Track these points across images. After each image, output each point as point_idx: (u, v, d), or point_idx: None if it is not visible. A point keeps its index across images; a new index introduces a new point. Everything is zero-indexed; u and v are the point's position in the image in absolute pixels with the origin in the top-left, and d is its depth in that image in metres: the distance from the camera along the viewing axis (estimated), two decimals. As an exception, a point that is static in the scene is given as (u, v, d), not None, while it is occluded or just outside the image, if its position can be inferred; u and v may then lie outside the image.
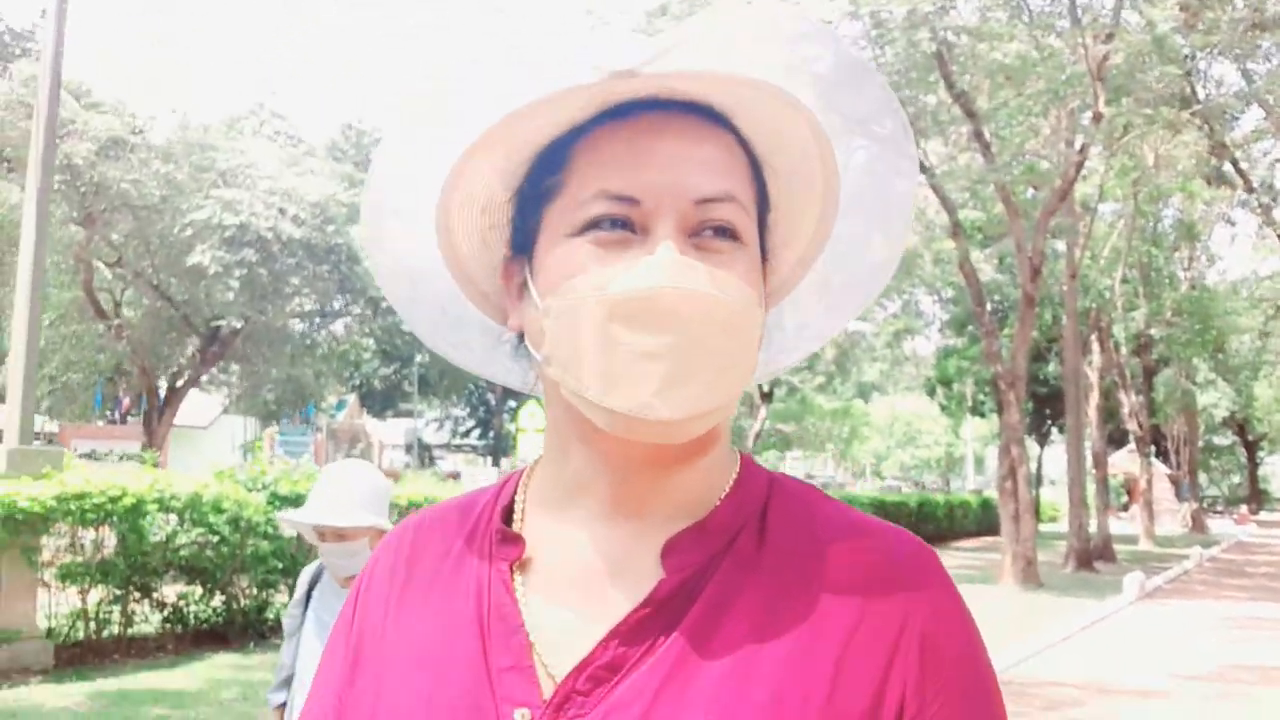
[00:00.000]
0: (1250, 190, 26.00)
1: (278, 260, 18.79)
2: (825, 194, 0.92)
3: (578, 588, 0.87)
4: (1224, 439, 67.18)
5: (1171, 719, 9.09)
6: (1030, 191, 23.98)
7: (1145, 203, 28.88)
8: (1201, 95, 23.37)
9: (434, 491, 13.66)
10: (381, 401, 52.10)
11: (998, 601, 16.76)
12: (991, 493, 43.09)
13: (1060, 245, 26.77)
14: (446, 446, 55.81)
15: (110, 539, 9.67)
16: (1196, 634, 14.35)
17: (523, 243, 0.90)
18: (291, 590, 9.45)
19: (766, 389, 39.30)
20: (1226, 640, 13.79)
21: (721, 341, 0.81)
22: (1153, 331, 34.41)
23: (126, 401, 33.29)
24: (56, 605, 9.69)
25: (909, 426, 58.41)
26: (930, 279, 31.12)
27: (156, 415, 21.40)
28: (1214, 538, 43.10)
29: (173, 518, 10.13)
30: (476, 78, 0.89)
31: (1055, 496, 52.03)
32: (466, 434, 52.19)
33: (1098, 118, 19.57)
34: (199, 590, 10.64)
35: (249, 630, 10.74)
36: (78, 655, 9.51)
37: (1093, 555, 25.60)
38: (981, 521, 38.17)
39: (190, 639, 10.51)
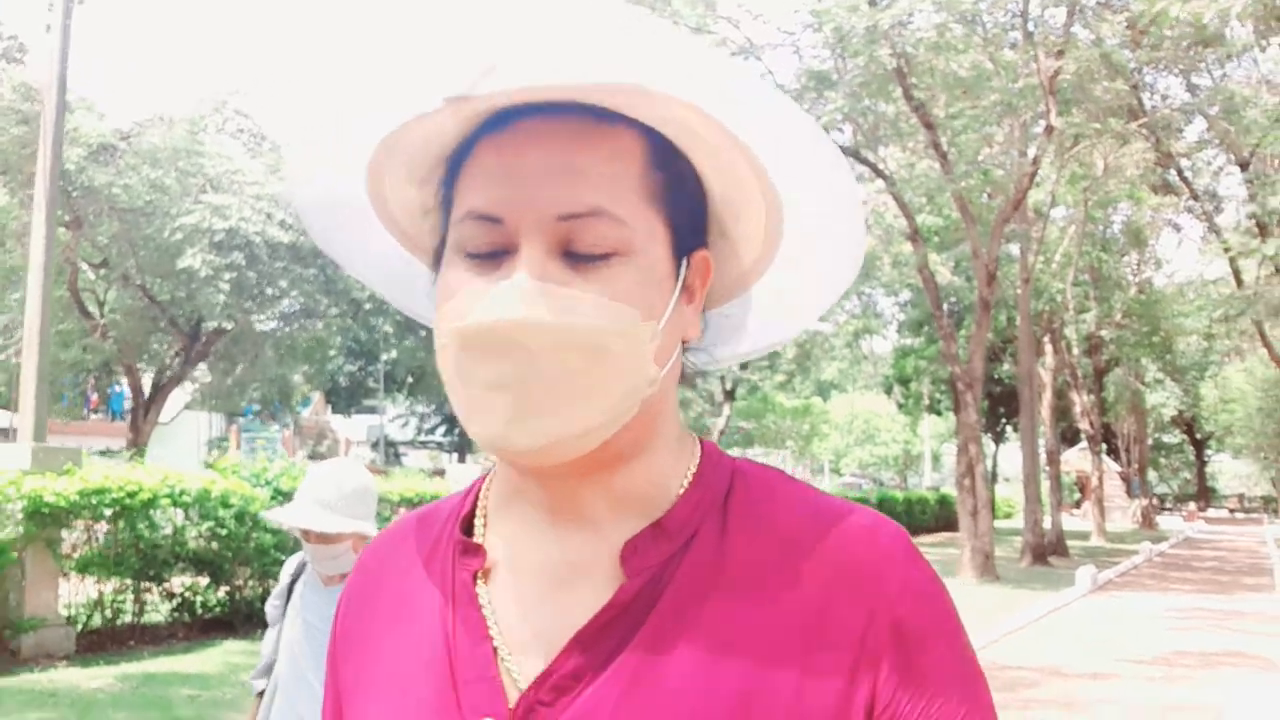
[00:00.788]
0: (1195, 198, 26.87)
1: (265, 263, 19.37)
2: (761, 187, 0.86)
3: (541, 594, 0.85)
4: (1173, 437, 67.99)
5: (1121, 698, 9.70)
6: (985, 196, 24.59)
7: (1095, 209, 29.57)
8: (1149, 106, 24.20)
9: (422, 488, 14.17)
10: (346, 398, 52.23)
11: (957, 594, 16.97)
12: (948, 489, 43.98)
13: (1014, 249, 27.43)
14: (411, 443, 56.01)
15: (123, 532, 10.22)
16: (1144, 623, 15.08)
17: (439, 253, 0.87)
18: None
19: (730, 387, 40.07)
20: (1172, 629, 14.46)
21: (580, 367, 0.78)
22: (1103, 333, 35.18)
23: (95, 399, 33.44)
24: (74, 595, 10.24)
25: (867, 424, 59.13)
26: (889, 281, 31.60)
27: (142, 413, 21.84)
28: (1163, 534, 43.92)
29: (179, 512, 10.69)
30: (338, 98, 0.86)
31: (1010, 493, 52.48)
32: (433, 430, 52.43)
33: (1050, 131, 20.26)
34: (205, 581, 11.18)
35: (253, 619, 11.26)
36: (96, 642, 10.07)
37: (1047, 550, 26.30)
38: (939, 517, 38.93)
39: (199, 627, 11.06)
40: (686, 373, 0.93)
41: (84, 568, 9.95)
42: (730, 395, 40.52)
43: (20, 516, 9.07)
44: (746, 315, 0.98)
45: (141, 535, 10.21)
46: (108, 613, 10.36)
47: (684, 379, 0.92)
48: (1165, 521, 56.96)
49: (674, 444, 0.90)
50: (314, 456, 39.42)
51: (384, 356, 44.53)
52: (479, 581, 0.88)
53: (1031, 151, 21.89)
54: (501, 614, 0.85)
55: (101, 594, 10.29)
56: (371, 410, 56.07)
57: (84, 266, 20.53)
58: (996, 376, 37.59)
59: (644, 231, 0.81)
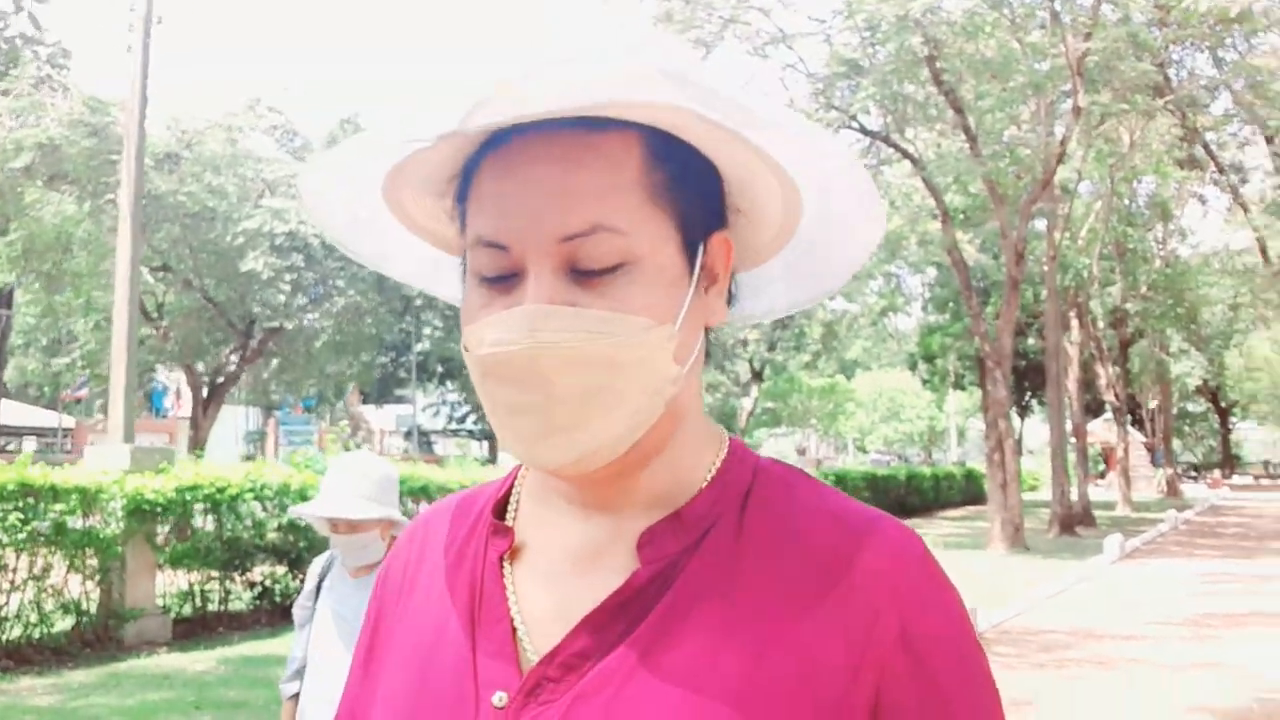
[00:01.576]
0: (1221, 171, 26.99)
1: (321, 263, 19.99)
2: (769, 166, 0.86)
3: (562, 576, 0.88)
4: (1197, 406, 67.82)
5: (1152, 657, 10.10)
6: (1012, 176, 24.73)
7: (1121, 184, 29.72)
8: (1175, 82, 24.33)
9: (477, 475, 14.67)
10: (378, 389, 52.73)
11: (990, 564, 18.13)
12: (974, 464, 44.21)
13: (1041, 225, 27.59)
14: (442, 432, 56.45)
15: (209, 525, 10.83)
16: (1172, 587, 15.47)
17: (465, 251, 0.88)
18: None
19: (758, 368, 40.47)
20: (1199, 593, 14.80)
21: (598, 382, 0.80)
22: (1128, 306, 35.45)
23: (139, 397, 34.21)
24: (167, 586, 10.85)
25: (892, 401, 59.32)
26: (916, 259, 31.83)
27: (201, 411, 22.56)
28: (1188, 501, 43.84)
29: (259, 505, 11.28)
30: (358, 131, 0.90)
31: (1035, 466, 52.47)
32: (463, 419, 52.89)
33: (1077, 111, 20.48)
34: (283, 569, 11.77)
35: (329, 604, 11.84)
36: (189, 629, 10.68)
37: (1074, 520, 26.65)
38: (965, 492, 39.24)
39: (279, 613, 11.64)
40: (712, 350, 0.94)
41: (177, 560, 10.54)
42: (758, 376, 40.87)
43: (121, 514, 9.67)
44: (774, 277, 0.99)
45: (228, 528, 10.83)
46: (197, 602, 10.98)
47: (709, 359, 0.94)
48: (1190, 490, 56.83)
49: (699, 435, 0.92)
50: (348, 448, 39.98)
51: (416, 347, 44.89)
52: (505, 563, 0.91)
53: (1059, 131, 22.05)
54: (523, 594, 0.89)
55: (191, 584, 10.91)
56: (401, 400, 56.67)
57: (143, 271, 21.15)
58: (1022, 351, 37.64)
59: (649, 235, 0.82)
